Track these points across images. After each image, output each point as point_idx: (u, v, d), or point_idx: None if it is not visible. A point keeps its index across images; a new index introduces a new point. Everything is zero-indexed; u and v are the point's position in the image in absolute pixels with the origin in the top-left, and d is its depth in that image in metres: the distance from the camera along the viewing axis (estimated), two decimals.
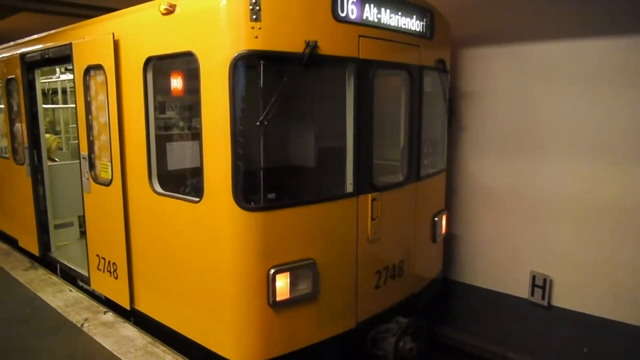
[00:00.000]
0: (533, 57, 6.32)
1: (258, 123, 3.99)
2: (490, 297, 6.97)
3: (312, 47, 4.13)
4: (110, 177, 5.36)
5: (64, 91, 13.18)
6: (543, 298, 6.37)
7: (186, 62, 4.53)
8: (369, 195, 4.89)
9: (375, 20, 4.77)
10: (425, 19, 5.51)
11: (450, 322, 7.33)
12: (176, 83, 5.05)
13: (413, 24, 5.31)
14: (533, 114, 6.38)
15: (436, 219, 6.19)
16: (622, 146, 5.72)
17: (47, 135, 8.49)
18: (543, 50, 6.22)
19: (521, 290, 6.63)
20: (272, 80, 4.06)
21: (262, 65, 3.98)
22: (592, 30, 5.81)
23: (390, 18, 4.95)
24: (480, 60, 6.84)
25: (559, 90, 6.13)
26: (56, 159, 8.92)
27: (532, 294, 6.48)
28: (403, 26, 5.16)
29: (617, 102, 5.70)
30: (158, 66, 4.79)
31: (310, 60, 4.13)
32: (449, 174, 6.89)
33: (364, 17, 4.64)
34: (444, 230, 6.52)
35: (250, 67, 4.02)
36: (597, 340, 6.05)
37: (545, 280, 6.33)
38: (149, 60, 4.69)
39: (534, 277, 6.45)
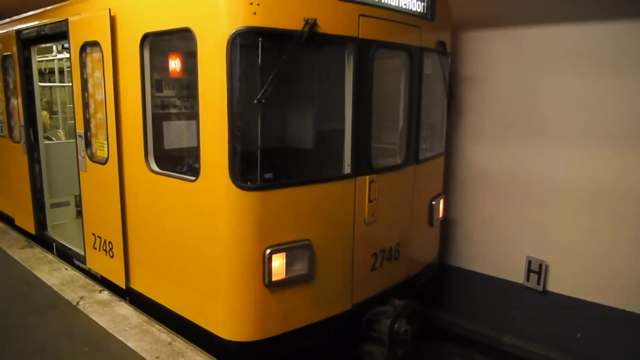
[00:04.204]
0: (535, 40, 6.23)
1: (255, 101, 3.95)
2: (485, 281, 6.99)
3: (311, 25, 4.07)
4: (106, 156, 5.32)
5: (61, 71, 13.08)
6: (538, 283, 6.39)
7: (183, 39, 4.46)
8: (367, 177, 4.86)
9: None
10: (426, 0, 5.43)
11: (446, 305, 7.36)
12: (173, 60, 4.99)
13: (414, 4, 5.22)
14: (533, 98, 6.32)
15: (433, 202, 6.17)
16: (622, 132, 5.67)
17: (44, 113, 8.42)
18: (545, 34, 6.14)
19: (517, 275, 6.64)
20: (270, 58, 4.00)
21: (260, 43, 3.92)
22: (594, 13, 5.72)
23: None
24: (481, 43, 6.75)
25: (560, 75, 6.06)
26: (53, 138, 8.87)
27: (528, 279, 6.50)
28: (404, 6, 5.08)
29: (618, 87, 5.64)
30: (155, 43, 4.73)
31: (309, 39, 4.08)
32: (447, 158, 6.85)
33: None
34: (441, 214, 6.51)
35: (248, 44, 3.96)
36: (591, 325, 6.08)
37: (541, 265, 6.34)
38: (145, 37, 4.62)
39: (529, 263, 6.46)
